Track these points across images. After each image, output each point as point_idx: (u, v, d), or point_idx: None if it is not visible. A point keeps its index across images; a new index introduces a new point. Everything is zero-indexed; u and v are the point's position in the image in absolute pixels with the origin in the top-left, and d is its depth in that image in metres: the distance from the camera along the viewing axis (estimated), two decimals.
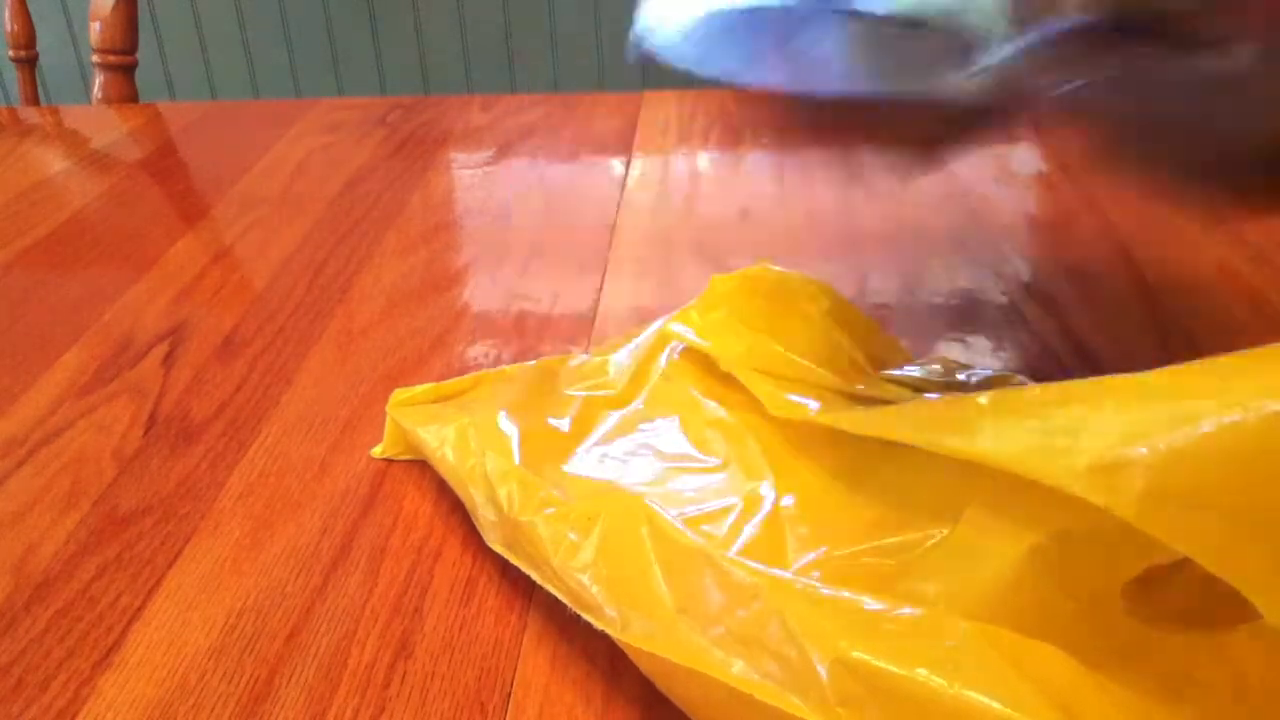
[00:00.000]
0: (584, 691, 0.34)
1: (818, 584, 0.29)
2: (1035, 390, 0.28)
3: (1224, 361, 0.25)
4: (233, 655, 0.36)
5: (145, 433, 0.49)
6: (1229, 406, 0.23)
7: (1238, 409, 0.23)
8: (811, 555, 0.34)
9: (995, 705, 0.24)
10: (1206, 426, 0.24)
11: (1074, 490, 0.25)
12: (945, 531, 0.32)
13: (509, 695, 0.34)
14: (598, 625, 0.31)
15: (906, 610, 0.27)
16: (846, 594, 0.28)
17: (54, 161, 0.83)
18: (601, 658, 0.35)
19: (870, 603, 0.28)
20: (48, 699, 0.35)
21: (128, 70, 1.04)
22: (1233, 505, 0.23)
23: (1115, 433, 0.25)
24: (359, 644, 0.36)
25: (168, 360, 0.55)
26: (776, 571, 0.29)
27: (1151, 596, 0.28)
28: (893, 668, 0.26)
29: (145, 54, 1.06)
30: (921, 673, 0.25)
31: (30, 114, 0.95)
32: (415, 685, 0.35)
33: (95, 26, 1.03)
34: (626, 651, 0.32)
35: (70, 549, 0.42)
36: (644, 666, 0.32)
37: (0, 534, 0.43)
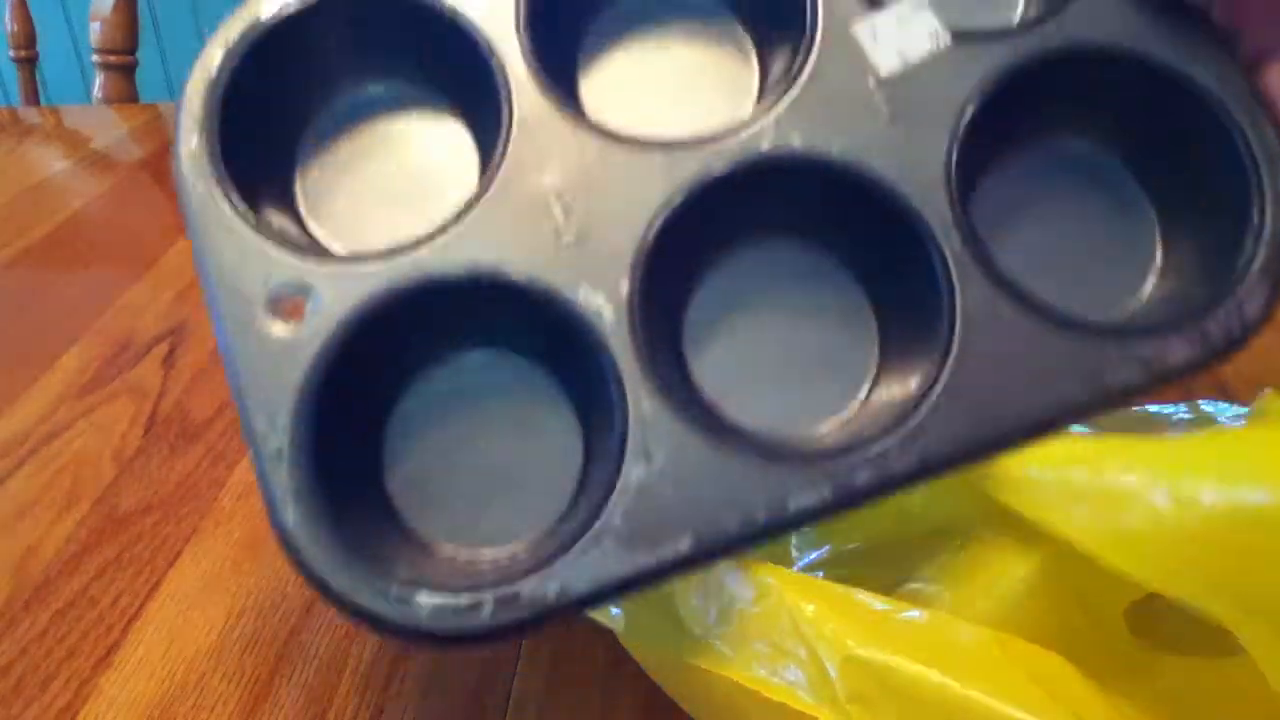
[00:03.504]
0: (584, 691, 0.34)
1: (825, 583, 0.29)
2: (1059, 444, 0.29)
3: (1245, 435, 0.26)
4: (233, 655, 0.36)
5: (145, 433, 0.48)
6: (1252, 485, 0.24)
7: (1265, 489, 0.24)
8: (815, 554, 0.34)
9: (1008, 708, 0.24)
10: (1225, 502, 0.24)
11: (1101, 555, 0.26)
12: (952, 535, 0.32)
13: (509, 695, 0.34)
14: (601, 623, 0.31)
15: (914, 613, 0.27)
16: (855, 593, 0.28)
17: (54, 161, 0.83)
18: (602, 656, 0.35)
19: (878, 603, 0.28)
20: (48, 699, 0.35)
21: (128, 70, 1.04)
22: (1249, 584, 0.24)
23: (1142, 500, 0.26)
24: (359, 644, 0.36)
25: (168, 360, 0.54)
26: (782, 569, 0.29)
27: (1153, 620, 0.28)
28: (905, 666, 0.25)
29: (145, 54, 1.06)
30: (934, 673, 0.25)
31: (30, 114, 0.95)
32: (415, 685, 0.35)
33: (95, 26, 1.03)
34: (629, 650, 0.32)
35: (70, 549, 0.42)
36: (647, 665, 0.32)
37: (0, 534, 0.43)
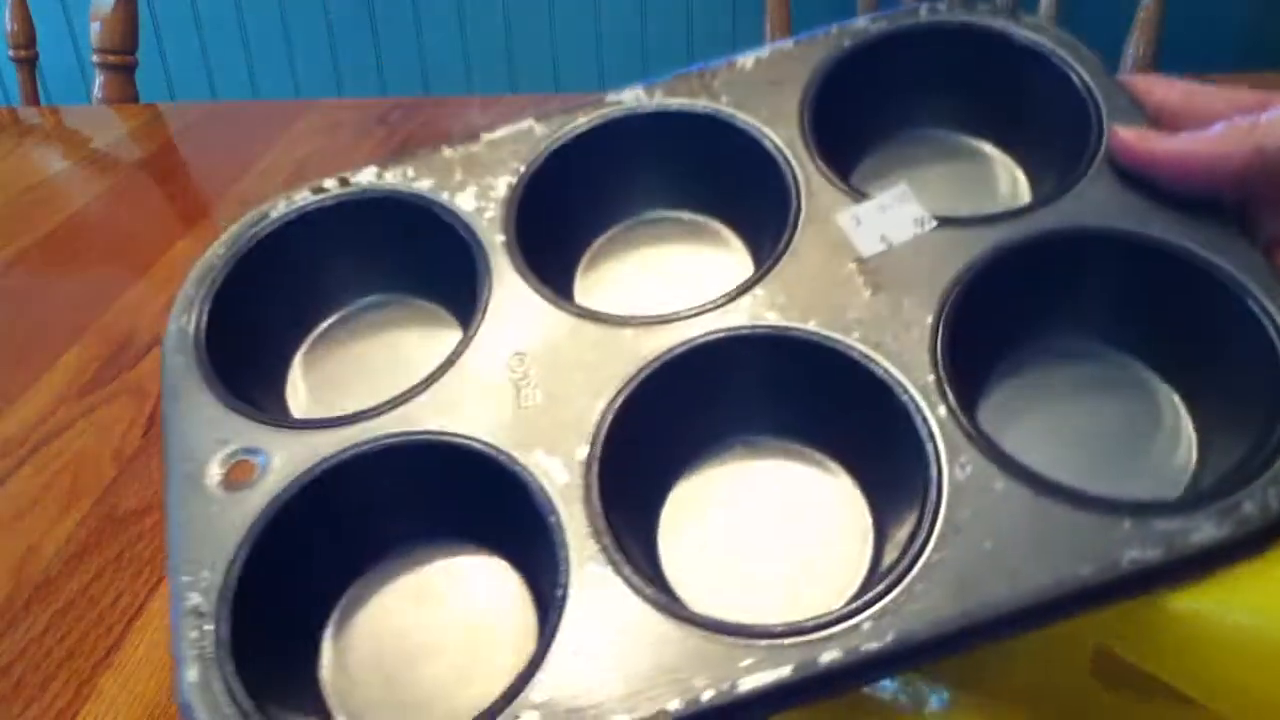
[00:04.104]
0: None
1: None
2: None
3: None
4: None
5: (145, 433, 0.48)
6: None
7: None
8: None
9: None
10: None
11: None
12: None
13: None
14: None
15: (886, 682, 0.27)
16: None
17: (54, 161, 0.83)
18: None
19: None
20: (48, 699, 0.35)
21: (128, 70, 1.04)
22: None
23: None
24: None
25: None
26: None
27: (1116, 666, 0.27)
28: None
29: (145, 54, 1.05)
30: None
31: (30, 114, 0.95)
32: None
33: (95, 26, 1.03)
34: None
35: (70, 549, 0.42)
36: None
37: (0, 534, 0.43)
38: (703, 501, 0.31)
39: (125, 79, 1.04)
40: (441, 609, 0.31)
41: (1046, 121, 0.36)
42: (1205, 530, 0.25)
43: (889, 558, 0.28)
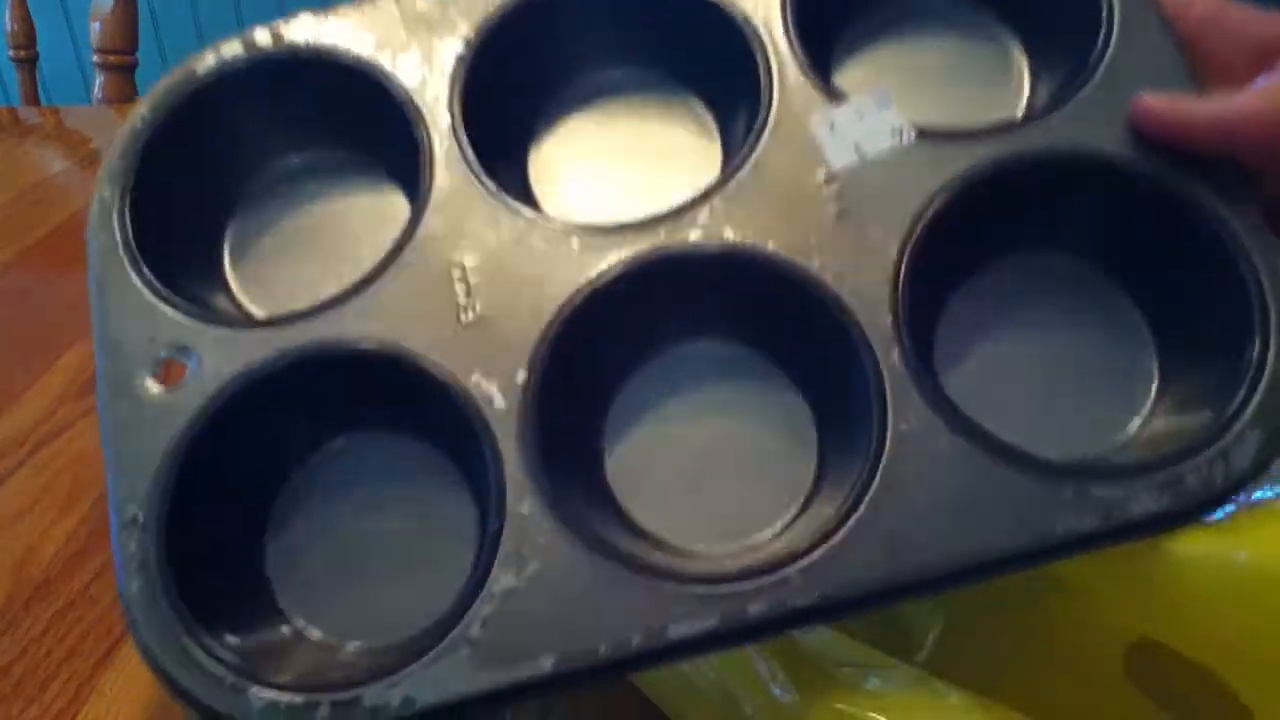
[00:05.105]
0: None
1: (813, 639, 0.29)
2: None
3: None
4: None
5: None
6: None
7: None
8: None
9: None
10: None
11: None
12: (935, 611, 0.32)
13: None
14: None
15: (901, 666, 0.27)
16: (842, 647, 0.28)
17: (54, 161, 0.83)
18: None
19: (865, 657, 0.28)
20: (48, 699, 0.35)
21: (128, 70, 1.04)
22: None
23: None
24: None
25: None
26: None
27: (1153, 668, 0.27)
28: None
29: (145, 54, 1.05)
30: None
31: (30, 114, 0.95)
32: None
33: (95, 26, 1.03)
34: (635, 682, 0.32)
35: (70, 549, 0.42)
36: (650, 693, 0.31)
37: (0, 534, 0.43)
38: (651, 409, 0.30)
39: (125, 79, 1.04)
40: (383, 501, 0.30)
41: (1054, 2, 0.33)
42: (1143, 501, 0.25)
43: (829, 483, 0.28)
